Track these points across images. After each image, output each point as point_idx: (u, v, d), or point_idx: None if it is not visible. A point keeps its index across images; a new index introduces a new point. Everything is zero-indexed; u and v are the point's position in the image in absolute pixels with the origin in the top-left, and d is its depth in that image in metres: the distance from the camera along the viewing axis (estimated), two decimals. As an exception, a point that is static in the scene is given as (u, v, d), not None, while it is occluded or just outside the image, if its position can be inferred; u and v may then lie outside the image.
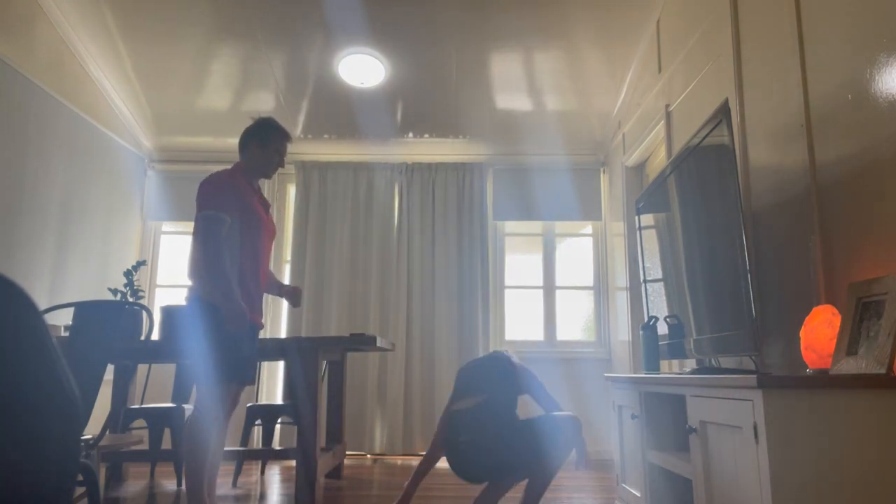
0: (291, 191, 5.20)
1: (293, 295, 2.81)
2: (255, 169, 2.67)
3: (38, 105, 3.72)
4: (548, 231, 5.13)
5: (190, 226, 5.14)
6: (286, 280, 5.03)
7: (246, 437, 3.66)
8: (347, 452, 4.76)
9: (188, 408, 3.71)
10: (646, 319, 3.15)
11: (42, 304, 3.75)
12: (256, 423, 3.73)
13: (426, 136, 4.95)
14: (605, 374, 3.29)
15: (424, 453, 2.52)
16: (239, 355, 2.48)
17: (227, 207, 2.50)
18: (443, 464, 4.27)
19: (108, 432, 3.04)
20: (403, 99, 4.57)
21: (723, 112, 2.19)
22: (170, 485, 3.60)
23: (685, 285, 2.64)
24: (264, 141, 2.67)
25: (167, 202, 5.07)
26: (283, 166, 2.76)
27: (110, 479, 3.68)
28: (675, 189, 2.72)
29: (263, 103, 4.63)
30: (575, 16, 3.82)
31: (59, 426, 0.70)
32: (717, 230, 2.28)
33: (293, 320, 4.83)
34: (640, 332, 2.92)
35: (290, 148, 5.10)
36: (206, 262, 2.42)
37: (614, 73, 4.25)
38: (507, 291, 5.05)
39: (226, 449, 3.54)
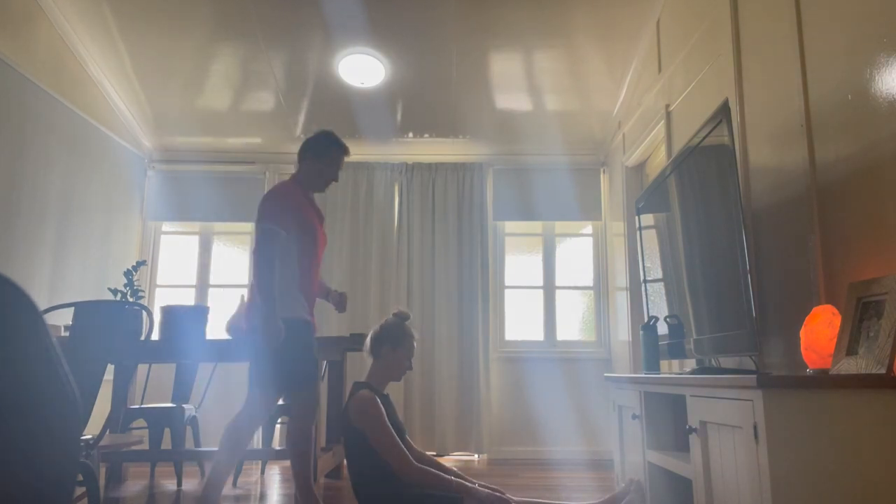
0: (291, 191, 5.19)
1: (339, 300, 2.91)
2: (309, 181, 2.79)
3: (38, 105, 3.72)
4: (548, 231, 5.13)
5: (190, 226, 5.15)
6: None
7: (246, 437, 3.66)
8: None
9: (188, 407, 3.71)
10: (646, 319, 3.15)
11: (42, 304, 3.75)
12: (256, 423, 3.72)
13: (426, 136, 4.95)
14: (605, 374, 3.29)
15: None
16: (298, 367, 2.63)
17: (285, 222, 2.62)
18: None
19: (108, 432, 3.04)
20: (403, 99, 4.57)
21: (723, 112, 2.19)
22: (170, 485, 3.60)
23: (685, 285, 2.64)
24: (319, 155, 2.78)
25: (167, 202, 5.07)
26: (336, 180, 2.86)
27: (110, 479, 3.67)
28: (675, 189, 2.72)
29: (263, 103, 4.63)
30: (575, 16, 3.82)
31: (59, 426, 0.70)
32: (717, 230, 2.28)
33: (293, 320, 4.82)
34: (640, 332, 2.92)
35: (291, 147, 5.11)
36: (258, 274, 2.55)
37: (614, 73, 4.25)
38: (507, 291, 5.05)
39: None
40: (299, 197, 2.72)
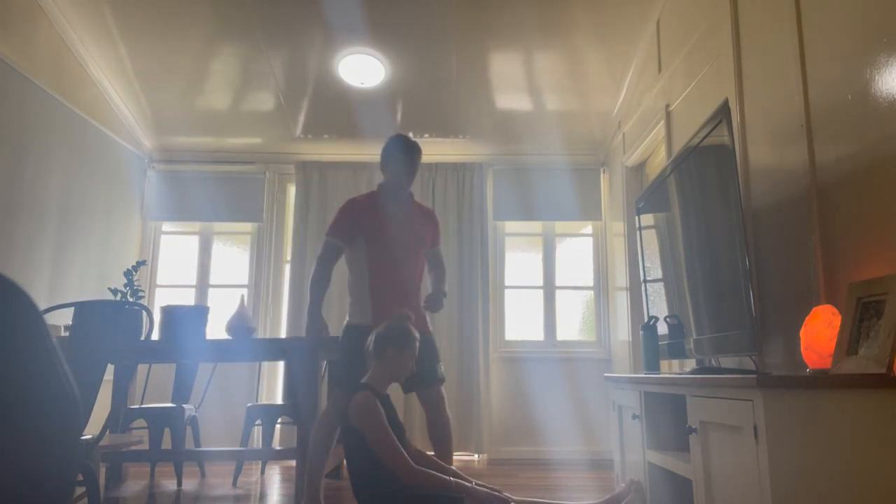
0: (291, 191, 5.20)
1: (427, 300, 2.96)
2: (389, 185, 2.93)
3: (38, 105, 3.72)
4: (548, 231, 5.13)
5: (190, 226, 5.15)
6: (286, 281, 5.02)
7: (246, 437, 3.66)
8: (347, 452, 4.75)
9: (188, 408, 3.71)
10: (646, 319, 3.15)
11: (42, 304, 3.75)
12: (256, 423, 3.73)
13: (426, 136, 4.95)
14: (605, 374, 3.29)
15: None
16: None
17: (345, 234, 2.86)
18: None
19: (108, 432, 3.05)
20: (403, 99, 4.57)
21: (723, 112, 2.18)
22: (170, 485, 3.60)
23: (685, 285, 2.64)
24: (387, 162, 2.93)
25: (167, 202, 5.07)
26: (401, 180, 2.93)
27: (110, 479, 3.67)
28: (675, 189, 2.72)
29: (263, 103, 4.63)
30: (575, 15, 3.82)
31: (59, 426, 0.70)
32: (717, 230, 2.28)
33: (293, 320, 4.83)
34: (640, 332, 2.92)
35: (291, 147, 5.11)
36: (311, 278, 2.86)
37: (614, 73, 4.25)
38: (507, 291, 5.05)
39: (226, 449, 3.54)
40: (368, 206, 2.89)
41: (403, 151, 2.90)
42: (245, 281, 5.06)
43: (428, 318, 3.01)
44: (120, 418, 3.55)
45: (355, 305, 2.88)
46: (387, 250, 2.85)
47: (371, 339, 2.51)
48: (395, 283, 2.86)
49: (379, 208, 2.91)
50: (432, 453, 2.79)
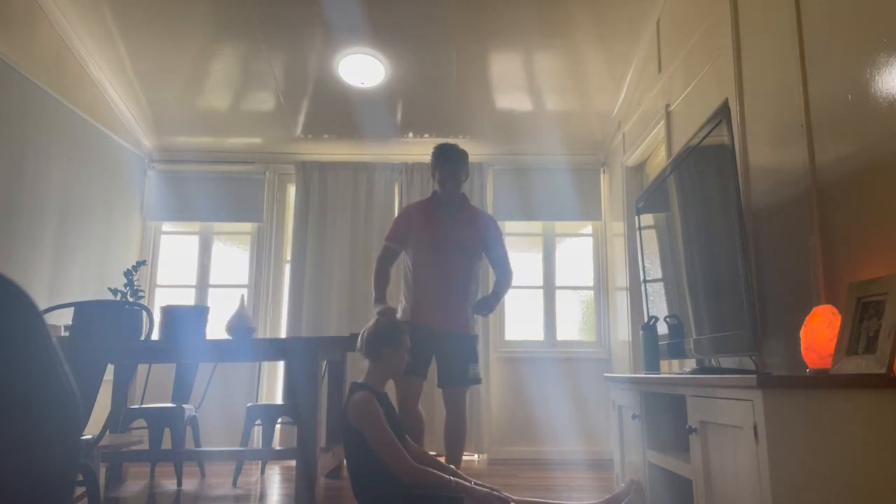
0: (291, 191, 5.20)
1: (479, 302, 3.14)
2: (440, 192, 3.18)
3: (38, 105, 3.72)
4: (548, 231, 5.13)
5: (190, 226, 5.15)
6: (286, 281, 5.02)
7: (246, 437, 3.66)
8: (347, 452, 4.75)
9: (188, 408, 3.71)
10: (646, 319, 3.15)
11: (42, 304, 3.74)
12: (256, 423, 3.73)
13: (426, 135, 4.94)
14: (605, 375, 3.29)
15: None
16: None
17: (397, 238, 3.18)
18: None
19: (108, 432, 3.05)
20: (403, 99, 4.57)
21: (723, 112, 2.18)
22: (170, 485, 3.60)
23: (685, 285, 2.63)
24: (433, 171, 3.20)
25: (167, 202, 5.06)
26: (444, 187, 3.15)
27: (110, 479, 3.67)
28: (675, 189, 2.72)
29: (263, 103, 4.63)
30: (575, 16, 3.82)
31: (59, 426, 0.70)
32: (717, 230, 2.28)
33: (293, 320, 4.83)
34: (640, 332, 2.92)
35: (290, 147, 5.11)
36: (373, 276, 3.18)
37: (614, 73, 4.25)
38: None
39: (226, 449, 3.54)
40: (415, 213, 3.18)
41: (446, 159, 3.12)
42: (245, 281, 5.06)
43: (476, 318, 3.21)
44: (120, 418, 3.55)
45: (402, 304, 3.14)
46: (430, 254, 3.09)
47: (362, 340, 2.50)
48: (436, 285, 3.06)
49: (430, 214, 3.16)
50: (434, 453, 2.80)
